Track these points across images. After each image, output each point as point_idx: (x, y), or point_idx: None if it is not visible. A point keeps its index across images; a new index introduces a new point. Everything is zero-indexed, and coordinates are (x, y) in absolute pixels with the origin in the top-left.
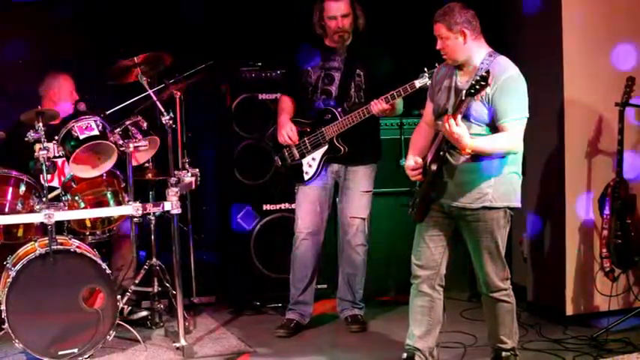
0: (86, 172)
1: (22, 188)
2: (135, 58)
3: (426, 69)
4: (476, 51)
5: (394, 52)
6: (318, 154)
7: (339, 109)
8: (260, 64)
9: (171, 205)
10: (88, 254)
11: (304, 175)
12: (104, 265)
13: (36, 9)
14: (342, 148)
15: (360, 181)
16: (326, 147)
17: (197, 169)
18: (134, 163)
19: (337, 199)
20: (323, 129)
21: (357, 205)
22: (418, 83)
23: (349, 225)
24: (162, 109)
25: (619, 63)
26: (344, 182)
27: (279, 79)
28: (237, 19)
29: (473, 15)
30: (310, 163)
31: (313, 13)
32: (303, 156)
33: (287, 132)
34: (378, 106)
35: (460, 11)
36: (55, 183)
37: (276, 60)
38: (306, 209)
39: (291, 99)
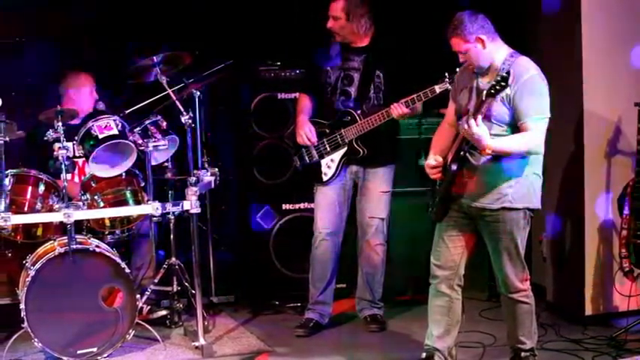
0: (105, 171)
1: (42, 187)
2: (154, 58)
3: (447, 74)
4: (496, 52)
5: (413, 53)
6: (337, 155)
7: (359, 112)
8: (279, 63)
9: (191, 204)
10: (107, 253)
11: (323, 175)
12: (123, 265)
13: (57, 9)
14: (362, 150)
15: (379, 181)
16: (345, 149)
17: (216, 169)
18: (153, 163)
19: (356, 199)
20: (342, 131)
21: (376, 205)
22: (438, 88)
23: (368, 225)
24: (182, 109)
25: (639, 63)
26: (363, 183)
27: (298, 79)
28: (256, 18)
29: (483, 18)
30: (329, 165)
31: None
32: (321, 157)
33: (305, 133)
34: (398, 110)
35: (470, 19)
36: (76, 182)
37: (295, 59)
38: (326, 209)
39: (310, 98)
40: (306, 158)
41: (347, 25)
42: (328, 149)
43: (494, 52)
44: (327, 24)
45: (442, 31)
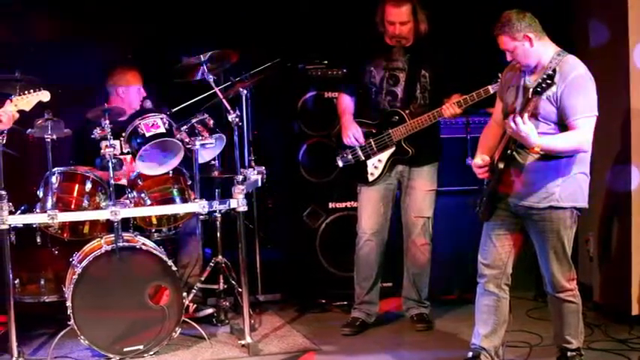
0: (152, 169)
1: (88, 185)
2: (201, 56)
3: (500, 74)
4: (544, 51)
5: (459, 52)
6: (384, 155)
7: (407, 112)
8: (326, 62)
9: (237, 202)
10: (154, 251)
11: (369, 176)
12: (170, 262)
13: (104, 6)
14: (410, 150)
15: (425, 180)
16: (393, 149)
17: (263, 167)
18: (200, 161)
19: (401, 199)
20: (390, 131)
21: (422, 204)
22: (492, 89)
23: (414, 224)
24: (229, 107)
25: None
26: (408, 182)
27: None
28: (303, 17)
29: (531, 17)
30: (376, 165)
31: (377, 12)
32: (368, 157)
33: (353, 133)
34: (450, 110)
35: (518, 18)
36: (124, 181)
37: (342, 58)
38: (370, 210)
39: (351, 98)
40: (352, 159)
41: (414, 27)
42: (375, 149)
43: (541, 50)
44: (391, 30)
45: (487, 31)
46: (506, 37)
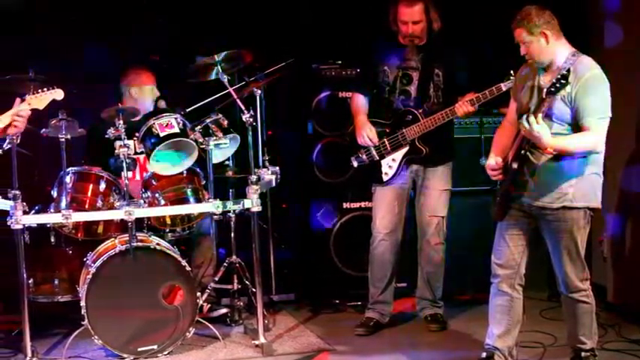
0: (166, 169)
1: (102, 185)
2: (215, 56)
3: (512, 72)
4: (559, 51)
5: (472, 51)
6: (398, 155)
7: (420, 111)
8: (340, 62)
9: (252, 202)
10: (168, 251)
11: (383, 175)
12: (184, 262)
13: (118, 7)
14: (424, 149)
15: (439, 179)
16: (407, 148)
17: (277, 167)
18: (214, 161)
19: (415, 198)
20: (404, 130)
21: (436, 203)
22: (504, 86)
23: (428, 224)
24: (243, 107)
25: None
26: (422, 181)
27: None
28: (317, 17)
29: (550, 15)
30: (390, 164)
31: (389, 12)
32: (382, 157)
33: (367, 133)
34: (463, 108)
35: (538, 13)
36: (137, 179)
37: (355, 58)
38: (385, 210)
39: (365, 98)
40: (366, 159)
41: (426, 26)
42: (389, 149)
43: (556, 49)
44: (403, 30)
45: (500, 29)
46: (523, 31)
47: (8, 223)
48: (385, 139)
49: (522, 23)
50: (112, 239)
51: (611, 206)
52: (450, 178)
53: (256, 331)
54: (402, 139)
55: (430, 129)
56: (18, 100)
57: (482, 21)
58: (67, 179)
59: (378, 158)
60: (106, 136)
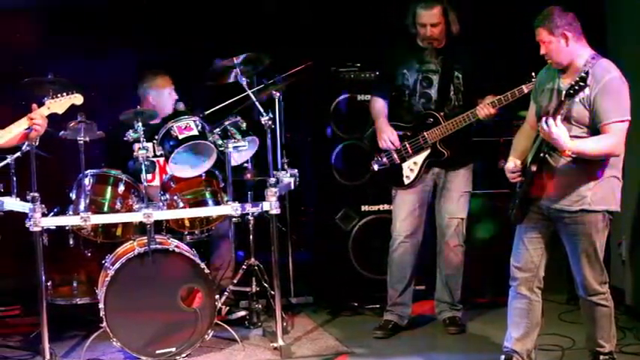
0: (185, 172)
1: (121, 188)
2: (234, 59)
3: (533, 74)
4: (579, 53)
5: (492, 53)
6: (419, 158)
7: (441, 113)
8: (359, 65)
9: (270, 205)
10: (187, 254)
11: (405, 179)
12: (203, 265)
13: (134, 9)
14: (445, 152)
15: (460, 182)
16: (428, 151)
17: (296, 170)
18: (233, 163)
19: (434, 201)
20: (425, 133)
21: (456, 205)
22: (526, 88)
23: (447, 226)
24: (262, 110)
25: None
26: (443, 184)
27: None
28: (336, 20)
29: (573, 17)
30: (412, 168)
31: (408, 14)
32: (403, 160)
33: (388, 136)
34: (484, 110)
35: (560, 14)
36: (157, 182)
37: (374, 61)
38: (405, 212)
39: (384, 101)
40: (386, 161)
41: (445, 29)
42: (410, 152)
43: (576, 52)
44: (422, 33)
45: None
46: (545, 31)
47: (27, 226)
48: (406, 143)
49: (544, 23)
50: (131, 242)
51: (630, 209)
52: (470, 180)
53: (275, 333)
54: (424, 142)
55: (452, 132)
56: (35, 106)
57: (501, 22)
58: (86, 181)
59: (399, 162)
60: (125, 138)
